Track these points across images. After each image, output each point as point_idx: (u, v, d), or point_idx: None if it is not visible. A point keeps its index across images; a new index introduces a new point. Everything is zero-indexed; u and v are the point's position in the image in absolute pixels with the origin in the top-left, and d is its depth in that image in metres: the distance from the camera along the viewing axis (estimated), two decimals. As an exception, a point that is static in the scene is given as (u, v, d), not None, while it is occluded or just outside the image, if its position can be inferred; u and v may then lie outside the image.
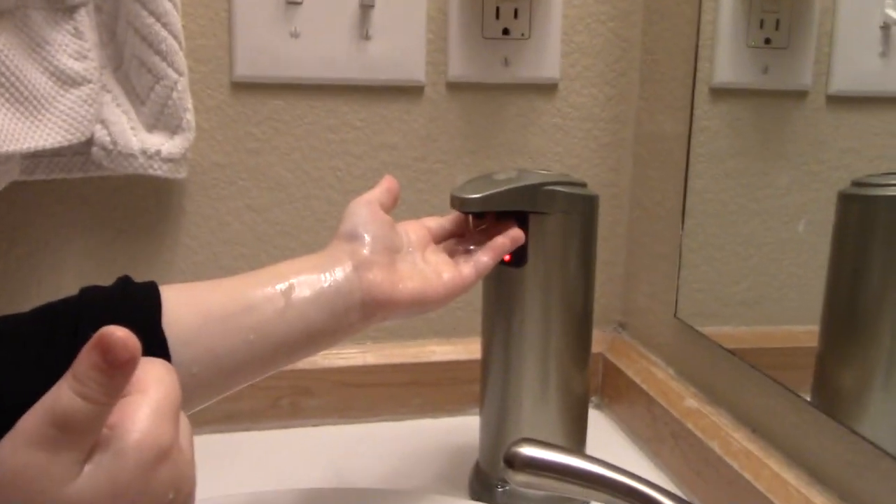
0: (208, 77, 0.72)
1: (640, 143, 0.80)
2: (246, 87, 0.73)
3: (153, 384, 0.36)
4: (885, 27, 0.55)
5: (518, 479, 0.43)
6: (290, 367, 0.76)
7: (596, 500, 0.43)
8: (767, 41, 0.68)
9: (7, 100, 0.62)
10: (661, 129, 0.77)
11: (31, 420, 0.33)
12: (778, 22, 0.68)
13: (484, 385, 0.65)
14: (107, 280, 0.73)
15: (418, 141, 0.77)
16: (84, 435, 0.33)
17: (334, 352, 0.77)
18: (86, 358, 0.33)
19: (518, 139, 0.79)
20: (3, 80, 0.62)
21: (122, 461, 0.34)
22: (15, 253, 0.71)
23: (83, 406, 0.32)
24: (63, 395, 0.33)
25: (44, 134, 0.65)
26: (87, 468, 0.33)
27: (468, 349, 0.78)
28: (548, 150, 0.79)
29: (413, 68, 0.76)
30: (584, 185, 0.63)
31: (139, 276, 0.76)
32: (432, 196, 0.78)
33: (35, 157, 0.68)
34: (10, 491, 0.33)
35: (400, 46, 0.76)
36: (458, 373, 0.78)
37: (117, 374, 0.33)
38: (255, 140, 0.74)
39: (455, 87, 0.77)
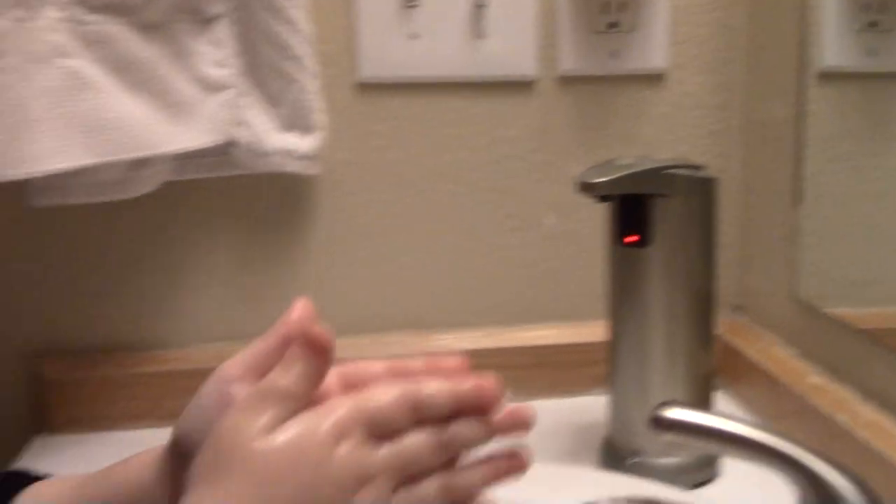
0: (335, 79, 0.77)
1: (749, 130, 0.82)
2: (369, 88, 0.77)
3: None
4: None
5: (665, 438, 0.46)
6: (421, 347, 0.80)
7: (739, 458, 0.45)
8: (873, 24, 0.69)
9: (159, 106, 0.68)
10: (769, 115, 0.79)
11: (244, 395, 0.40)
12: (884, 4, 0.68)
13: (612, 363, 0.68)
14: (248, 270, 0.79)
15: (532, 133, 0.80)
16: (279, 405, 0.39)
17: (461, 336, 0.81)
18: (293, 350, 0.40)
19: (629, 129, 0.81)
20: (155, 87, 0.68)
21: (311, 436, 0.39)
22: (164, 245, 0.77)
23: (288, 385, 0.39)
24: (271, 376, 0.40)
25: (191, 136, 0.70)
26: (280, 434, 0.39)
27: (585, 332, 0.81)
28: (658, 139, 0.81)
29: (525, 64, 0.79)
30: (702, 167, 0.65)
31: (276, 267, 0.81)
32: (548, 186, 0.81)
33: (183, 158, 0.73)
34: (217, 442, 0.39)
35: (512, 43, 0.79)
36: (578, 355, 0.81)
37: (316, 360, 0.40)
38: (379, 137, 0.78)
39: (566, 81, 0.80)
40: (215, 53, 0.71)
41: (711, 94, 0.82)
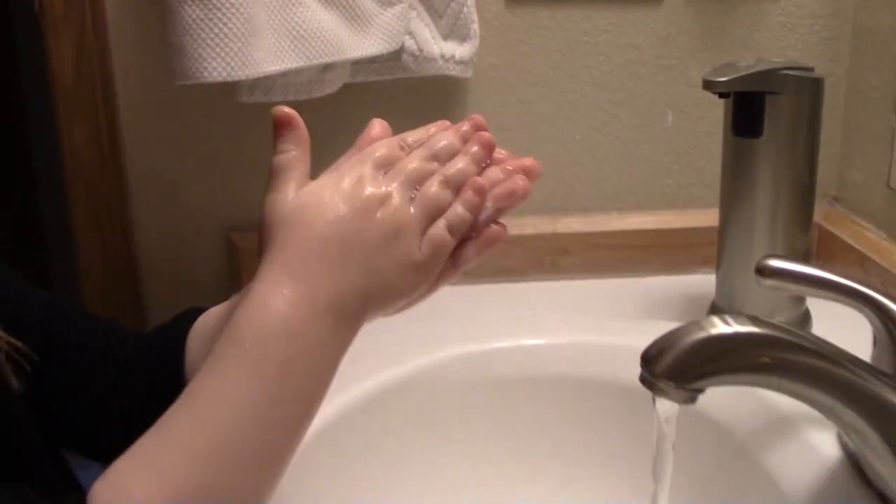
0: (488, -6, 0.89)
1: (857, 37, 0.90)
2: (517, 2, 0.89)
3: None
4: None
5: (767, 283, 0.58)
6: (551, 230, 0.93)
7: (828, 299, 0.57)
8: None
9: (346, 18, 0.82)
10: (878, 23, 0.87)
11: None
12: None
13: (721, 244, 0.79)
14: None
15: (658, 41, 0.91)
16: (291, 172, 0.48)
17: (587, 219, 0.94)
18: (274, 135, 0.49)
19: (746, 37, 0.91)
20: (344, 2, 0.81)
21: (327, 183, 0.48)
22: (342, 138, 0.91)
23: (283, 157, 0.48)
24: (272, 159, 0.49)
25: (370, 44, 0.84)
26: (302, 191, 0.47)
27: (698, 218, 0.93)
28: (773, 46, 0.91)
29: (653, -22, 0.89)
30: (811, 69, 0.75)
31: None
32: (669, 87, 0.92)
33: (358, 63, 0.87)
34: (263, 222, 0.48)
35: (642, -40, 0.89)
36: (690, 237, 0.93)
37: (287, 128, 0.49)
38: (523, 45, 0.90)
39: (690, -7, 0.90)
40: (389, -28, 0.84)
41: (824, 5, 0.90)
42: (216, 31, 0.72)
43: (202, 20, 0.71)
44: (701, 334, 0.48)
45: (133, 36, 0.88)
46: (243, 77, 0.74)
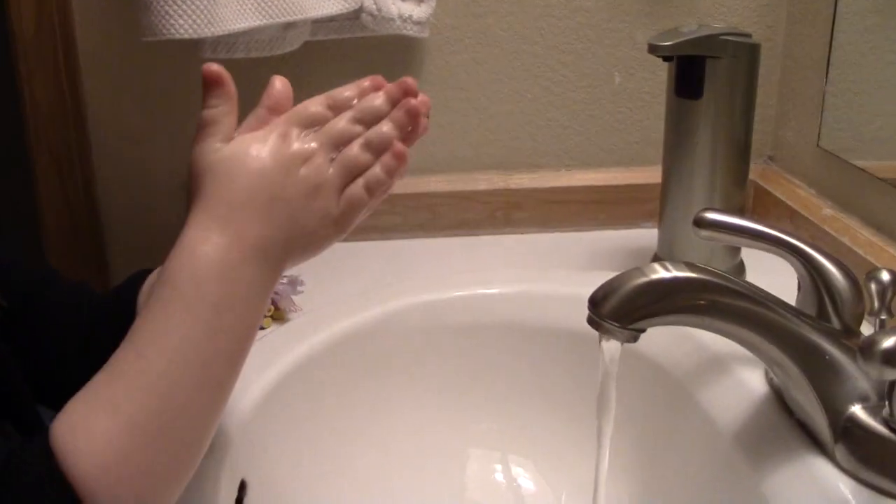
0: (444, -45, 0.92)
1: (792, 4, 0.95)
2: (472, -36, 0.92)
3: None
4: None
5: (703, 234, 0.63)
6: (504, 185, 0.97)
7: (759, 248, 0.62)
8: None
9: (307, -23, 0.84)
10: (811, -9, 0.92)
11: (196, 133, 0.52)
12: None
13: (663, 199, 0.84)
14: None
15: (606, 5, 0.95)
16: (218, 126, 0.51)
17: (536, 176, 0.98)
18: (203, 90, 0.52)
19: (689, 2, 0.95)
20: (304, -38, 0.83)
21: (252, 137, 0.51)
22: (301, 94, 0.94)
23: (211, 111, 0.51)
24: (200, 113, 0.52)
25: (329, 4, 0.86)
26: (228, 145, 0.51)
27: (641, 175, 0.98)
28: (715, 11, 0.96)
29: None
30: (749, 35, 0.80)
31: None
32: (616, 50, 0.96)
33: (318, 23, 0.89)
34: (192, 170, 0.51)
35: (592, -75, 0.92)
36: (633, 193, 0.98)
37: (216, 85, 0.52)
38: (478, 6, 0.94)
39: (638, -41, 0.94)
40: (349, -67, 0.86)
41: (762, -28, 0.95)
42: (182, -12, 0.74)
43: (168, -23, 0.73)
44: (643, 279, 0.53)
45: (94, -10, 0.89)
46: (209, 35, 0.76)
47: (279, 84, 0.55)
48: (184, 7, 0.74)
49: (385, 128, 0.53)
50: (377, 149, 0.53)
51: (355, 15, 0.89)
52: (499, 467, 0.77)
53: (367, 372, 0.76)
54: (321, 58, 0.93)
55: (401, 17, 0.89)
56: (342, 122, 0.53)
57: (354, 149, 0.52)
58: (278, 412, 0.66)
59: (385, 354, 0.77)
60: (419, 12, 0.90)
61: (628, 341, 0.53)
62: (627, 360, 0.57)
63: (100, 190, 0.95)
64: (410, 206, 0.95)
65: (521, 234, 0.97)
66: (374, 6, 0.89)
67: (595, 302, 0.53)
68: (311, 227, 0.51)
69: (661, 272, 0.54)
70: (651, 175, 0.93)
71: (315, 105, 0.53)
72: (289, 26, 0.86)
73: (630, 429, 0.69)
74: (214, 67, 0.52)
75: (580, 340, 0.72)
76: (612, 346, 0.54)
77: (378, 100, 0.54)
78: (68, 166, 0.92)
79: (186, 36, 0.75)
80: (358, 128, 0.53)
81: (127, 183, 0.95)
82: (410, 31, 0.90)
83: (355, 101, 0.55)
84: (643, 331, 0.53)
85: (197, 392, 0.47)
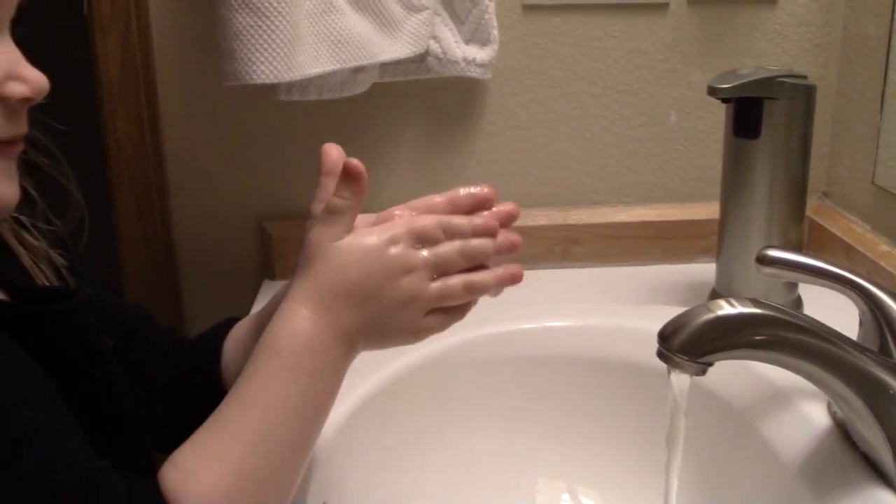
0: (507, 2, 0.95)
1: (846, 44, 0.98)
2: (534, 9, 0.96)
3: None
4: None
5: (766, 271, 0.66)
6: (562, 221, 1.00)
7: (820, 285, 0.64)
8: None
9: (377, 24, 0.88)
10: (864, 33, 0.94)
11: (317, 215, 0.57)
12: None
13: (721, 235, 0.86)
14: (430, 154, 0.98)
15: (663, 46, 0.98)
16: (340, 217, 0.55)
17: (594, 211, 1.01)
18: (339, 180, 0.56)
19: (744, 43, 0.98)
20: (375, 9, 0.87)
21: (370, 238, 0.55)
22: (369, 134, 0.98)
23: (340, 202, 0.55)
24: (332, 199, 0.56)
25: (397, 48, 0.90)
26: (348, 238, 0.55)
27: (698, 211, 1.00)
28: (769, 52, 0.98)
29: (659, -12, 0.96)
30: (805, 77, 0.82)
31: (452, 152, 1.01)
32: (673, 89, 0.99)
33: (386, 65, 0.94)
34: (304, 249, 0.56)
35: (649, -30, 0.96)
36: (690, 229, 1.00)
37: (354, 180, 0.55)
38: (539, 49, 0.97)
39: (695, 2, 0.97)
40: (416, -19, 0.91)
41: (816, 14, 0.98)
42: (264, 37, 0.78)
43: (252, 27, 0.78)
44: (710, 315, 0.56)
45: (174, 36, 0.94)
46: (288, 79, 0.80)
47: (335, 153, 0.60)
48: (265, 54, 0.78)
49: (488, 276, 0.58)
50: (476, 292, 0.57)
51: (421, 58, 0.93)
52: (566, 497, 0.79)
53: (434, 402, 0.78)
54: (387, 98, 0.97)
55: (465, 59, 0.93)
56: (451, 251, 0.56)
57: (458, 284, 0.56)
58: (355, 439, 0.69)
59: (451, 386, 0.79)
60: (482, 55, 0.93)
61: (697, 374, 0.55)
62: (691, 393, 0.59)
63: (176, 225, 0.99)
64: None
65: (579, 268, 1.00)
66: (439, 50, 0.92)
67: (664, 336, 0.56)
68: (393, 329, 0.56)
69: (727, 308, 0.56)
70: (707, 211, 0.95)
71: (433, 224, 0.57)
72: (359, 70, 0.90)
73: (694, 461, 0.70)
74: (356, 163, 0.56)
75: (644, 373, 0.74)
76: (681, 380, 0.57)
77: (490, 244, 0.58)
78: (147, 203, 0.96)
79: (267, 81, 0.79)
80: (463, 262, 0.57)
81: (201, 219, 1.00)
82: (474, 73, 0.94)
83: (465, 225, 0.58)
84: (711, 364, 0.55)
85: (291, 444, 0.52)
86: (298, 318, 0.54)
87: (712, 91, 0.79)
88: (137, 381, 0.65)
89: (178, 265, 1.01)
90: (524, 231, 1.02)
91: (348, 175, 0.55)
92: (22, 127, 0.52)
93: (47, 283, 0.59)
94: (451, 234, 0.57)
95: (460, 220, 0.58)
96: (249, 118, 0.97)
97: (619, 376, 0.79)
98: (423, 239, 0.56)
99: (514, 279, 0.60)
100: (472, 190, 0.60)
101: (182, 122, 0.97)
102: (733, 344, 0.56)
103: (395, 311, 0.55)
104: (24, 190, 0.55)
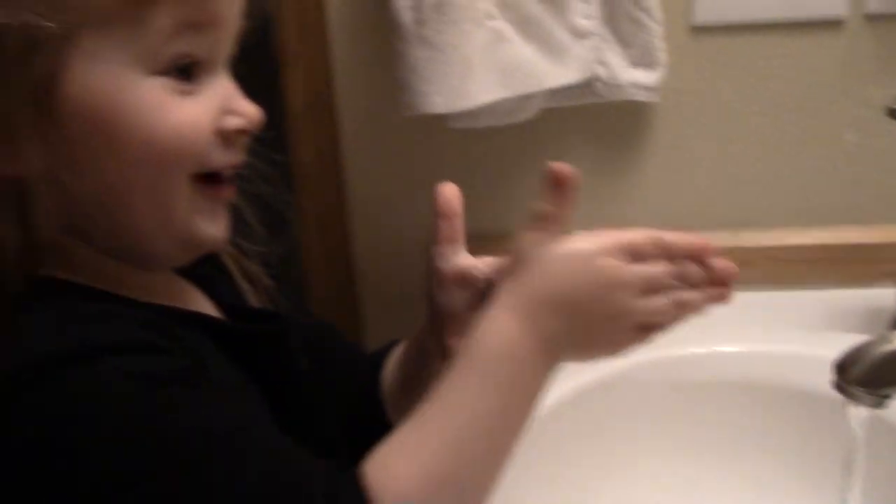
0: (674, 24, 0.95)
1: None
2: (702, 31, 0.96)
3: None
4: None
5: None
6: (733, 243, 0.99)
7: None
8: None
9: (545, 51, 0.91)
10: None
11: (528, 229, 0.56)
12: None
13: None
14: (598, 177, 0.99)
15: (838, 64, 0.95)
16: (551, 227, 0.55)
17: (765, 234, 0.99)
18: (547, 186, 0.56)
19: (927, 60, 0.94)
20: (543, 37, 0.90)
21: (583, 245, 0.53)
22: (539, 158, 1.01)
23: (548, 209, 0.55)
24: (539, 208, 0.56)
25: (565, 73, 0.92)
26: (561, 245, 0.53)
27: (877, 234, 0.96)
28: (956, 67, 0.94)
29: (835, 5, 0.94)
30: None
31: (617, 172, 1.01)
32: (849, 108, 0.96)
33: (555, 91, 0.96)
34: (517, 256, 0.55)
35: (824, -13, 0.94)
36: (872, 253, 0.96)
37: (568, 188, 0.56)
38: (707, 70, 0.97)
39: (872, 18, 0.93)
40: (584, 8, 0.92)
41: None
42: (438, 69, 0.82)
43: (426, 60, 0.82)
44: (891, 346, 0.54)
45: (355, 69, 1.00)
46: (461, 109, 0.84)
47: (449, 191, 0.62)
48: (438, 85, 0.82)
49: (697, 296, 0.55)
50: (682, 311, 0.56)
51: (588, 83, 0.95)
52: (732, 526, 0.78)
53: (598, 425, 0.79)
54: (556, 123, 1.00)
55: (631, 83, 0.94)
56: (664, 272, 0.54)
57: (668, 303, 0.54)
58: (517, 458, 0.72)
59: (616, 409, 0.80)
60: (649, 78, 0.94)
61: (875, 407, 0.54)
62: (870, 425, 0.57)
63: (356, 248, 1.05)
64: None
65: (752, 291, 0.98)
66: (606, 74, 0.94)
67: (842, 368, 0.55)
68: (595, 345, 0.55)
69: (909, 339, 0.55)
70: (887, 234, 0.92)
71: (644, 238, 0.55)
72: (527, 96, 0.93)
73: (872, 495, 0.68)
74: (564, 168, 0.56)
75: (819, 403, 0.72)
76: (858, 412, 0.56)
77: (701, 273, 0.56)
78: (329, 226, 1.03)
79: (441, 110, 0.83)
80: (675, 282, 0.55)
81: (380, 242, 1.05)
82: (640, 96, 0.94)
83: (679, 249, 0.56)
84: (890, 397, 0.54)
85: (481, 453, 0.52)
86: (499, 323, 0.53)
87: (892, 113, 0.77)
88: (325, 395, 0.70)
89: (359, 287, 1.07)
90: (692, 253, 1.01)
91: (556, 180, 0.55)
92: (237, 157, 0.55)
93: (257, 304, 0.64)
94: (663, 251, 0.55)
95: (672, 237, 0.56)
96: (424, 144, 1.02)
97: (793, 405, 0.78)
98: (634, 253, 0.54)
99: (722, 298, 0.57)
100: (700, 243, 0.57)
101: (362, 148, 1.03)
102: (915, 376, 0.54)
103: (601, 325, 0.54)
104: (242, 217, 0.60)
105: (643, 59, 0.94)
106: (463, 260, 0.61)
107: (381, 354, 0.71)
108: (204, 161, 0.52)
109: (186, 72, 0.50)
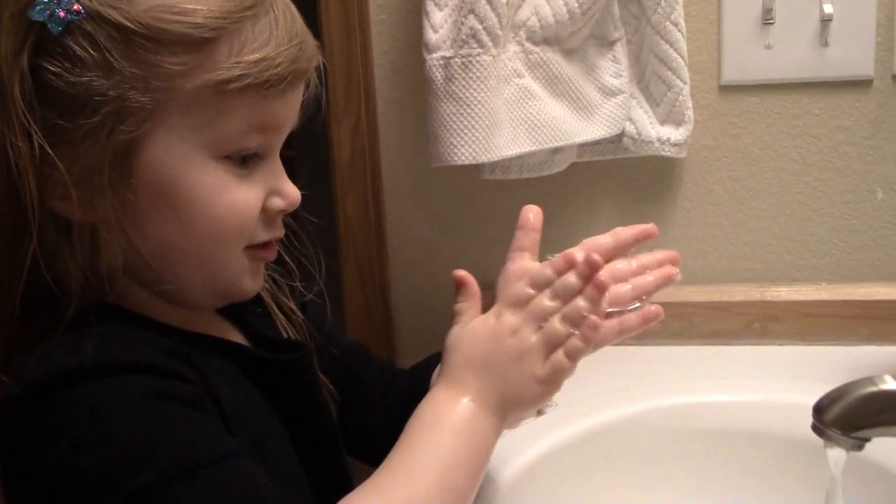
0: (702, 83, 0.99)
1: None
2: (730, 89, 0.99)
3: None
4: None
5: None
6: (760, 298, 1.00)
7: None
8: None
9: (574, 108, 0.95)
10: None
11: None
12: None
13: None
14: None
15: (867, 123, 0.97)
16: (464, 315, 0.65)
17: (795, 289, 1.00)
18: (456, 288, 0.67)
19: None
20: (572, 94, 0.94)
21: (478, 317, 0.64)
22: (569, 210, 1.05)
23: (459, 306, 0.66)
24: (453, 306, 0.66)
25: (594, 130, 0.96)
26: (468, 324, 0.63)
27: (910, 292, 0.96)
28: None
29: (864, 66, 0.96)
30: None
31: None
32: (878, 166, 0.97)
33: (583, 146, 1.00)
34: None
35: (853, 49, 0.95)
36: (900, 310, 0.96)
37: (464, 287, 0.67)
38: (735, 128, 0.99)
39: (901, 78, 0.95)
40: (614, 67, 0.97)
41: None
42: (465, 123, 0.87)
43: (454, 115, 0.87)
44: (870, 388, 0.56)
45: (398, 124, 1.06)
46: (485, 161, 0.89)
47: (532, 215, 0.69)
48: (465, 138, 0.87)
49: (581, 303, 0.61)
50: (574, 321, 0.61)
51: (617, 138, 0.99)
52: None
53: (607, 468, 0.81)
54: (585, 177, 1.03)
55: (659, 139, 0.97)
56: (543, 300, 0.62)
57: (555, 323, 0.61)
58: (524, 499, 0.74)
59: (629, 452, 0.82)
60: (677, 135, 0.97)
61: (852, 450, 0.56)
62: (857, 468, 0.58)
63: (394, 293, 1.10)
64: (666, 314, 1.00)
65: (779, 346, 0.99)
66: (634, 130, 0.97)
67: (819, 409, 0.56)
68: (519, 384, 0.61)
69: (891, 383, 0.56)
70: (918, 292, 0.92)
71: (521, 286, 0.63)
72: (557, 150, 0.97)
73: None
74: (462, 274, 0.67)
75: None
76: (836, 454, 0.57)
77: (572, 277, 0.62)
78: (369, 272, 1.08)
79: (467, 162, 0.88)
80: (556, 304, 0.62)
81: (417, 287, 1.10)
82: (668, 152, 0.97)
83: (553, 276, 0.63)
84: (868, 440, 0.55)
85: (440, 494, 0.57)
86: (448, 393, 0.61)
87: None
88: (357, 412, 0.76)
89: (394, 329, 1.11)
90: (721, 307, 1.04)
91: (460, 284, 0.66)
92: (277, 231, 0.63)
93: (289, 336, 0.71)
94: (539, 286, 0.62)
95: (543, 270, 0.63)
96: (461, 195, 1.07)
97: (800, 454, 0.78)
98: (518, 303, 0.62)
99: (672, 277, 0.69)
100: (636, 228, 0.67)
101: (402, 198, 1.08)
102: (893, 420, 0.55)
103: (511, 368, 0.60)
104: (284, 261, 0.68)
105: (671, 117, 0.97)
106: (528, 263, 0.67)
107: (425, 364, 0.78)
108: (252, 237, 0.60)
109: (245, 160, 0.59)
